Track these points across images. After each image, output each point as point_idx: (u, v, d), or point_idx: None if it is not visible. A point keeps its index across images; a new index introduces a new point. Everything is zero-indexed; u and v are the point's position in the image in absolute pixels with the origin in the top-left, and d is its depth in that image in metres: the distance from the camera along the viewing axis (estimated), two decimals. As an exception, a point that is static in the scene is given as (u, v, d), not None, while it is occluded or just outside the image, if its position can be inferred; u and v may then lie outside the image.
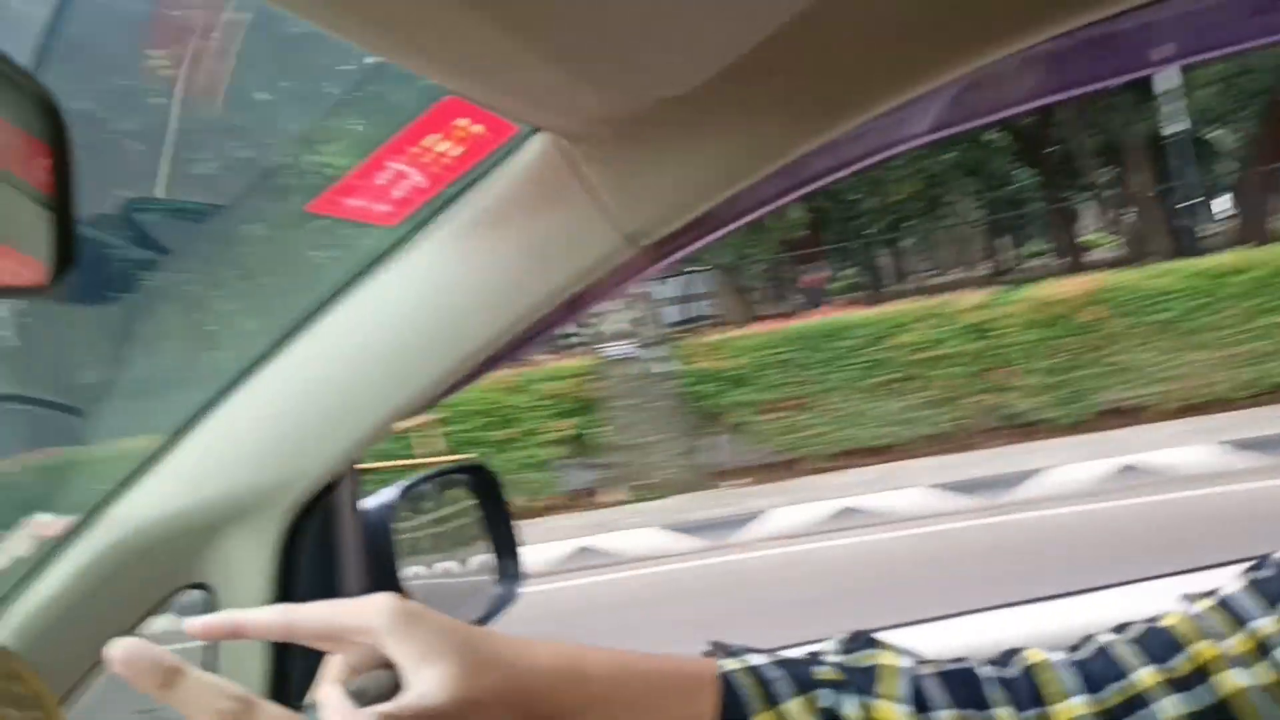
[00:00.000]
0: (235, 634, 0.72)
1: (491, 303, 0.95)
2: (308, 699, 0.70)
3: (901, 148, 1.08)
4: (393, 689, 0.68)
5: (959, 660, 0.80)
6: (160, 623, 1.03)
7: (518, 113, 0.85)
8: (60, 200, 0.52)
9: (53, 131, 0.52)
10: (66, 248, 0.52)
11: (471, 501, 1.27)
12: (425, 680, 0.67)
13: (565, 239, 0.93)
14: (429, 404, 1.01)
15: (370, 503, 1.11)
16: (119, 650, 0.56)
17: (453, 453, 9.90)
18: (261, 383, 0.99)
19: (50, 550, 0.99)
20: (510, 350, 1.02)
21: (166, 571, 1.01)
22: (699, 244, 1.08)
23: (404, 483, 1.17)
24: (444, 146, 0.88)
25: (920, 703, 0.76)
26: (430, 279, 0.96)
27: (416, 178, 0.89)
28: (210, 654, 1.00)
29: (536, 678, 0.71)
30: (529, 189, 0.93)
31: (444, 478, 1.26)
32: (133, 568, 0.99)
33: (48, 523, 0.98)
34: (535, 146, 0.92)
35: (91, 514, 0.99)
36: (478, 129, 0.87)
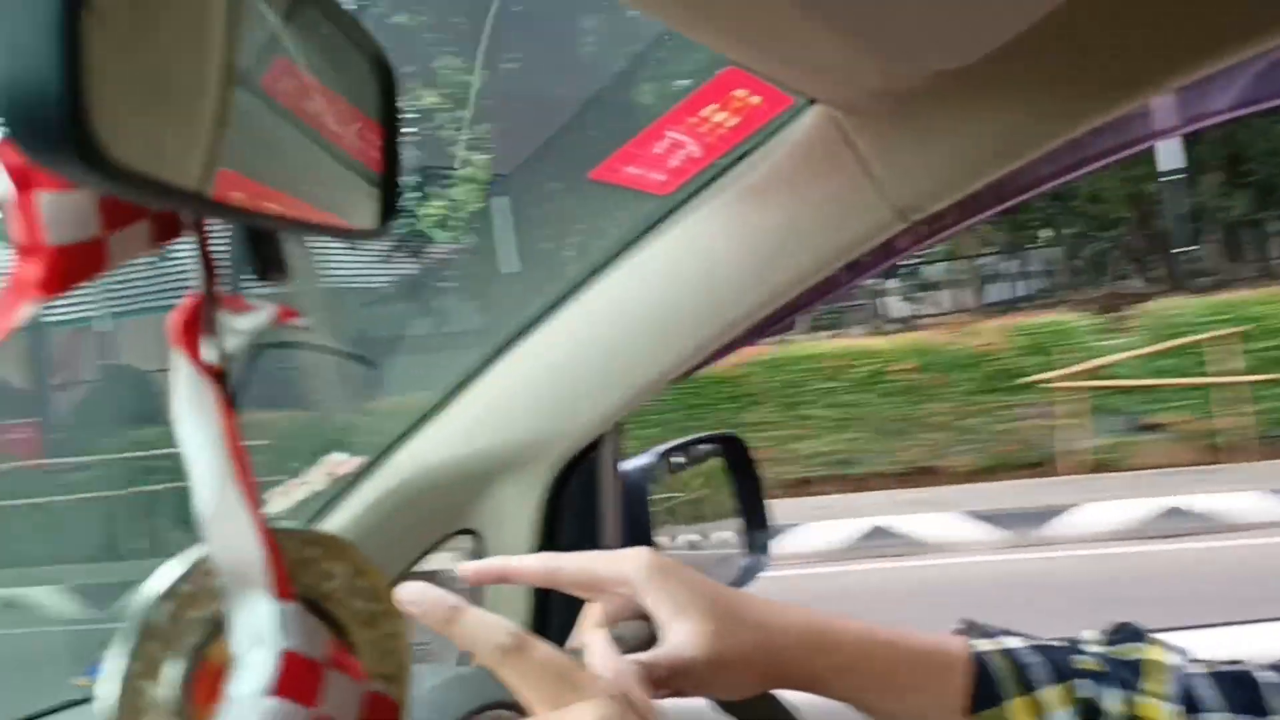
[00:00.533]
0: (503, 579, 0.77)
1: (758, 273, 0.96)
2: (569, 643, 0.74)
3: (1195, 125, 1.02)
4: (649, 639, 0.71)
5: (1234, 662, 0.76)
6: (433, 563, 1.10)
7: (797, 84, 0.86)
8: (387, 162, 0.56)
9: (383, 94, 0.57)
10: (388, 205, 0.57)
11: (724, 471, 1.29)
12: (679, 634, 0.69)
13: (835, 212, 0.93)
14: (691, 370, 1.04)
15: (629, 464, 1.15)
16: (408, 591, 0.61)
17: (1252, 372, 8.80)
18: (535, 343, 1.04)
19: (343, 487, 1.08)
20: (774, 321, 1.03)
21: (441, 515, 1.08)
22: (970, 222, 1.06)
23: (661, 448, 1.20)
24: (721, 117, 0.90)
25: (1190, 703, 0.72)
26: (699, 247, 0.98)
27: (693, 147, 0.91)
28: (476, 596, 1.07)
29: (786, 641, 0.72)
30: (801, 161, 0.93)
31: (698, 446, 1.29)
32: (412, 509, 1.07)
33: (342, 461, 1.07)
34: (810, 118, 0.92)
35: (379, 457, 1.07)
36: (755, 100, 0.88)
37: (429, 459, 1.06)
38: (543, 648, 0.59)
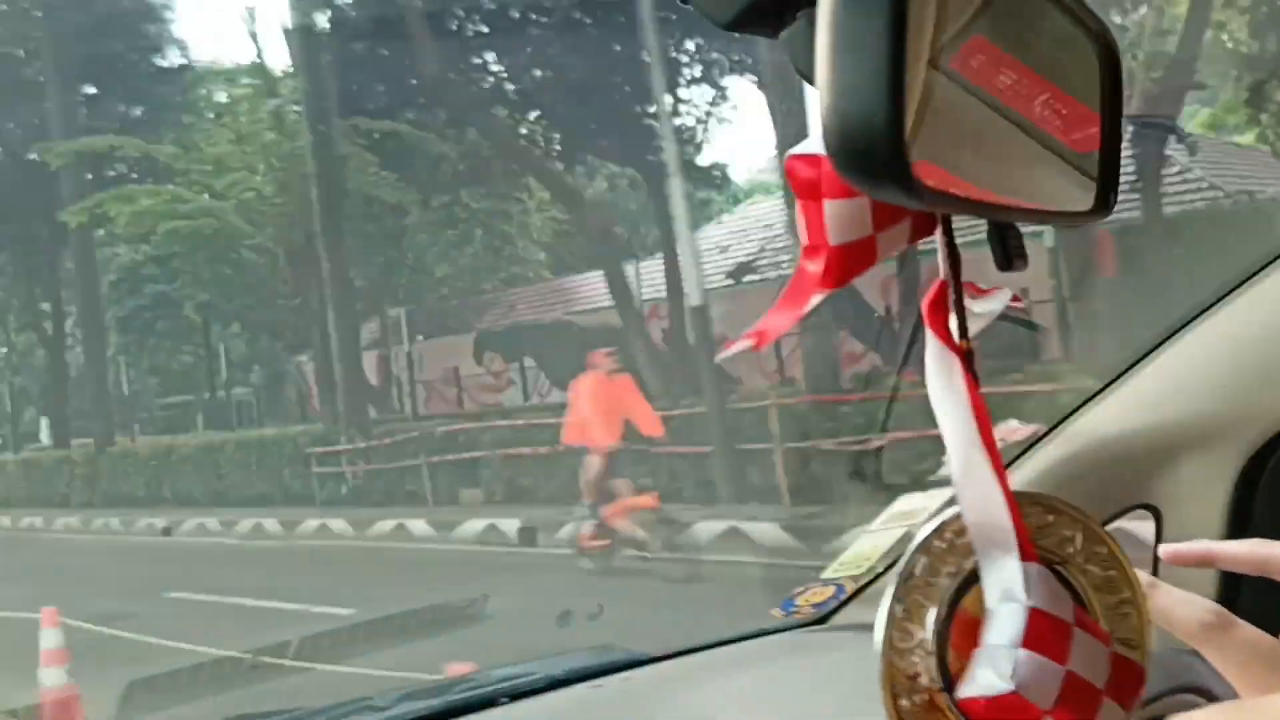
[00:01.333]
0: (1207, 562, 0.73)
1: None
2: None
3: None
4: None
5: None
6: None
7: None
8: (1107, 143, 0.56)
9: (1106, 70, 0.56)
10: (1110, 178, 0.56)
11: None
12: None
13: None
14: None
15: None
16: None
17: None
18: (1237, 307, 0.96)
19: (1015, 454, 1.09)
20: None
21: (1118, 489, 1.04)
22: None
23: None
24: None
25: None
26: None
27: None
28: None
29: None
30: None
31: None
32: (1087, 480, 1.05)
33: (1015, 428, 1.09)
34: None
35: (1058, 424, 1.07)
36: None
37: (1109, 429, 1.03)
38: (1250, 628, 0.56)
